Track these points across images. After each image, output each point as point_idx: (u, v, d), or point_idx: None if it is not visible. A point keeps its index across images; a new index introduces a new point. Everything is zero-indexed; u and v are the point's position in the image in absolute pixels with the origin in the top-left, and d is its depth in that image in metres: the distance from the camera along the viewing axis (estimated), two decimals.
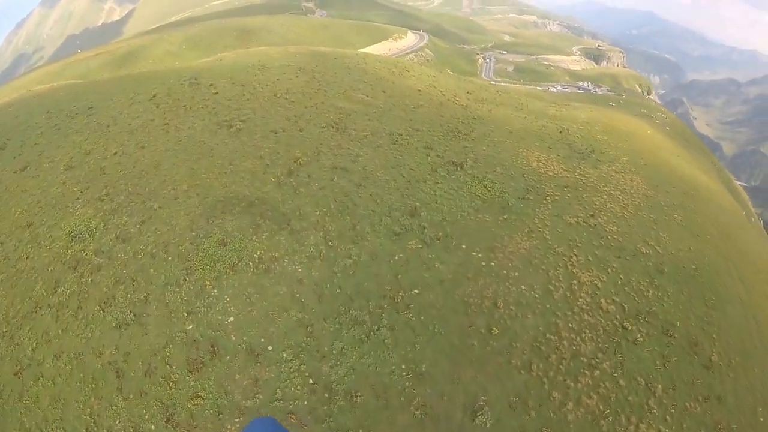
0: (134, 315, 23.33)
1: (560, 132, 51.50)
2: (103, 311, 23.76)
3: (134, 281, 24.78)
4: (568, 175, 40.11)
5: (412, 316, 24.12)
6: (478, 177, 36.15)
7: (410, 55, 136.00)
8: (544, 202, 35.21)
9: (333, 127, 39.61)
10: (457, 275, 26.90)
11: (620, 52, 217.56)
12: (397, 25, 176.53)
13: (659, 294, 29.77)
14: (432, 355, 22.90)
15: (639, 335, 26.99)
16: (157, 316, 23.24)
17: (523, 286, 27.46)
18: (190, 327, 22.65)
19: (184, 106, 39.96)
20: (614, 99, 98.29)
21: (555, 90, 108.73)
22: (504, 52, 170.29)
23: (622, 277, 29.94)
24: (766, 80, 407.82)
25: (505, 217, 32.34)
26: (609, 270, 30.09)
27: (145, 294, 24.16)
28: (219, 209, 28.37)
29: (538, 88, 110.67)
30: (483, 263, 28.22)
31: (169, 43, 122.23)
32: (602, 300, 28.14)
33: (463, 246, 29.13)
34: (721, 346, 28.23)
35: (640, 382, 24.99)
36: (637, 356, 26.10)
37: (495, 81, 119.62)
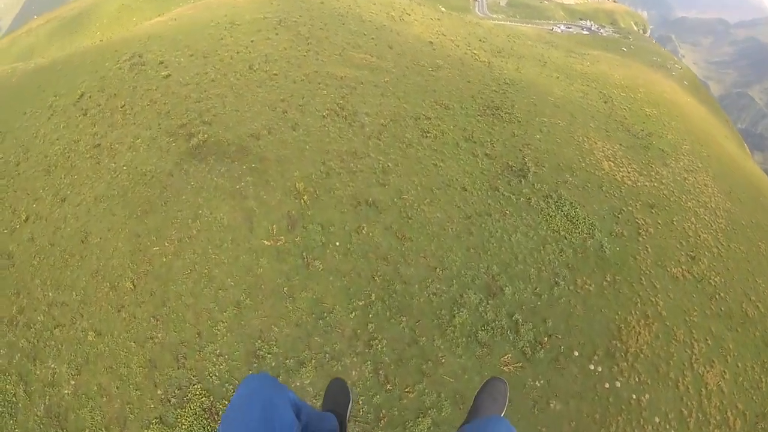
0: None
1: (605, 103, 39.57)
2: None
3: None
4: (647, 184, 29.03)
5: None
6: (552, 198, 24.52)
7: None
8: (640, 239, 24.51)
9: (338, 115, 26.12)
10: (580, 420, 16.43)
11: None
12: None
13: None
14: None
15: None
16: None
17: (657, 419, 17.96)
18: None
19: (123, 107, 25.02)
20: (623, 43, 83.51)
21: (559, 30, 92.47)
22: None
23: (738, 365, 21.14)
24: (755, 23, 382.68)
25: (608, 279, 21.59)
26: (728, 357, 21.17)
27: None
28: (189, 326, 15.56)
29: (545, 27, 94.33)
30: (607, 385, 17.97)
31: None
32: (728, 412, 19.71)
33: (575, 353, 18.20)
34: None
35: None
36: None
37: (493, 18, 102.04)
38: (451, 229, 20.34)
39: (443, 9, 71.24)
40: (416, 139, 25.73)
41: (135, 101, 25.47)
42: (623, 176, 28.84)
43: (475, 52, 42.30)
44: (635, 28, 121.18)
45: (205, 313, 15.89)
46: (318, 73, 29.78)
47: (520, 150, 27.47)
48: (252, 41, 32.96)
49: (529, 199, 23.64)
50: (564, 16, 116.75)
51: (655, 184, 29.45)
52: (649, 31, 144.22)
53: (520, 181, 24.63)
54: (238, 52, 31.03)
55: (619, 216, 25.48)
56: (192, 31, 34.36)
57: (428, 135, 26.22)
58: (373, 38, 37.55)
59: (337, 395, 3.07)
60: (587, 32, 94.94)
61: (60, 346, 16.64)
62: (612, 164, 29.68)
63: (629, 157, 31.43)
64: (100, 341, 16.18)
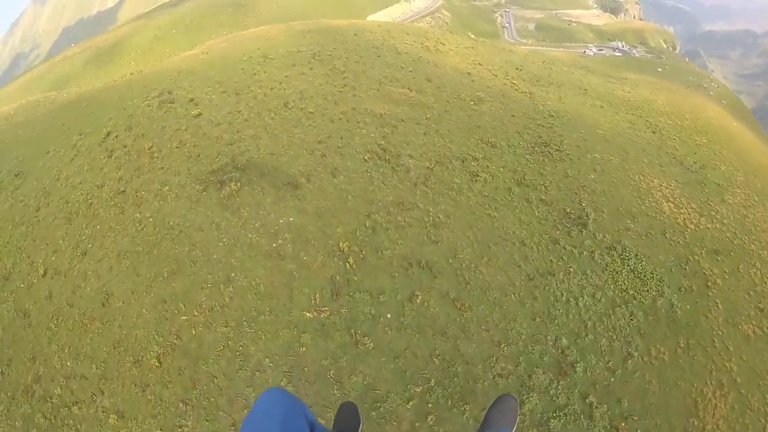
0: None
1: (654, 133, 37.12)
2: None
3: None
4: (709, 226, 26.53)
5: None
6: (616, 249, 22.16)
7: (427, 18, 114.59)
8: (709, 294, 22.09)
9: (380, 158, 24.00)
10: None
11: (636, 2, 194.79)
12: None
13: None
14: None
15: None
16: None
17: None
18: None
19: (150, 148, 23.28)
20: (657, 63, 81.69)
21: (592, 53, 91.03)
22: (518, 8, 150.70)
23: None
24: None
25: (681, 344, 19.27)
26: None
27: None
28: (223, 415, 13.53)
29: (577, 51, 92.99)
30: None
31: (157, 28, 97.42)
32: None
33: None
34: None
35: None
36: None
37: (523, 43, 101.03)
38: (514, 294, 18.00)
39: (473, 36, 69.61)
40: (466, 185, 23.51)
41: (163, 143, 23.69)
42: (685, 219, 26.46)
43: (514, 82, 40.21)
44: (665, 46, 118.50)
45: (240, 400, 13.76)
46: (356, 110, 27.85)
47: (576, 193, 25.12)
48: (286, 76, 31.22)
49: (593, 252, 21.22)
50: (593, 37, 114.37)
51: (717, 226, 27.00)
52: (678, 48, 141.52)
53: (581, 231, 22.23)
54: (272, 89, 29.28)
55: (687, 267, 23.12)
56: (224, 65, 32.73)
57: (478, 179, 24.01)
58: (410, 71, 35.67)
59: (349, 418, 3.00)
60: (620, 53, 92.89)
61: (79, 426, 14.70)
62: (672, 205, 27.29)
63: (687, 195, 29.08)
64: (123, 425, 14.17)
